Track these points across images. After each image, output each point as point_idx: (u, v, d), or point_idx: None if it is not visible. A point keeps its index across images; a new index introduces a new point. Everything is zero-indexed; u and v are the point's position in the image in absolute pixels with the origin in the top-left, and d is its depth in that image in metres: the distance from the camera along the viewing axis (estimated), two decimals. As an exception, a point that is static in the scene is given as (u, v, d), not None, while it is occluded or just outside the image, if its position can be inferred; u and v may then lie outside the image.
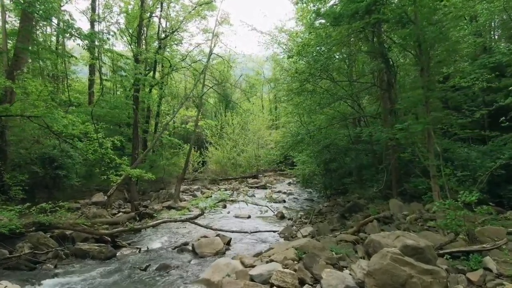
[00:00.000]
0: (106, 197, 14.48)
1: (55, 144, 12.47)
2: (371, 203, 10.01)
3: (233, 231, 8.92)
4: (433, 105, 9.77)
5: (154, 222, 8.48)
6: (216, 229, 8.84)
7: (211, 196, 19.32)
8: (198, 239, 8.74)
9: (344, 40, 8.07)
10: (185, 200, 17.53)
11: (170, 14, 21.92)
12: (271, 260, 6.04)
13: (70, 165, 12.84)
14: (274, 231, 9.55)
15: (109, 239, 8.38)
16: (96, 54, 7.69)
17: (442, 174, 6.79)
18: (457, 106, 11.35)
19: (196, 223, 8.86)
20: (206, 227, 8.81)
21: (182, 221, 8.85)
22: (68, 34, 7.53)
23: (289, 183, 25.90)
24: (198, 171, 29.58)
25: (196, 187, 23.83)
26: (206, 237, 8.92)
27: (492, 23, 14.49)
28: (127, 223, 10.94)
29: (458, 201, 4.99)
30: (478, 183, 7.84)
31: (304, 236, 8.91)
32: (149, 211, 13.36)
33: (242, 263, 6.22)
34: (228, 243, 8.84)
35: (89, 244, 8.40)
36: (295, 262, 5.92)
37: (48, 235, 8.63)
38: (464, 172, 7.81)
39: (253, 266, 5.97)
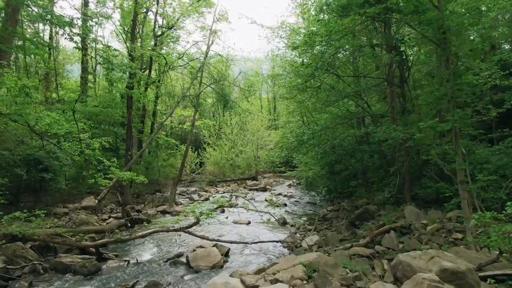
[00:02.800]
0: (96, 202, 13.64)
1: (41, 144, 11.59)
2: (382, 209, 9.21)
3: (232, 242, 8.08)
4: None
5: (143, 233, 7.63)
6: (213, 240, 8.00)
7: (208, 199, 18.52)
8: (194, 250, 7.90)
9: (356, 29, 7.28)
10: (181, 204, 16.67)
11: (166, 11, 21.06)
12: (276, 280, 5.22)
13: (57, 168, 11.94)
14: (277, 241, 8.71)
15: (94, 250, 7.52)
16: (80, 44, 6.87)
17: (469, 179, 5.98)
18: (462, 105, 10.59)
19: (190, 233, 8.01)
20: (202, 237, 7.96)
21: (175, 230, 8.01)
22: (47, 21, 6.68)
23: (289, 185, 25.10)
24: (196, 172, 28.73)
25: (193, 189, 22.99)
26: (202, 247, 8.07)
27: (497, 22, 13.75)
28: (116, 230, 10.11)
29: (503, 213, 4.18)
30: (504, 188, 7.06)
31: (310, 246, 8.12)
32: (142, 216, 12.54)
33: (243, 282, 5.38)
34: (226, 254, 8.02)
35: (71, 256, 7.55)
36: (304, 282, 5.11)
37: (28, 245, 7.80)
38: (489, 175, 6.99)
39: (255, 287, 5.15)
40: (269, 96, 44.10)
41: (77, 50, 6.70)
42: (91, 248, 7.54)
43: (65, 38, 6.74)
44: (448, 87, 5.38)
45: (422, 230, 6.63)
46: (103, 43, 9.57)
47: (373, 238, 6.89)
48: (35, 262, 7.02)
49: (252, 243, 8.23)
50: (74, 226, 10.44)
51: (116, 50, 9.39)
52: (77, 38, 7.16)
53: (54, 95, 18.02)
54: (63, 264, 7.09)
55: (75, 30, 7.02)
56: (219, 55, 21.91)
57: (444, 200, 8.49)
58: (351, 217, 8.78)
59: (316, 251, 7.88)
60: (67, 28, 6.50)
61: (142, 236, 7.64)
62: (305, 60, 8.41)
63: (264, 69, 37.12)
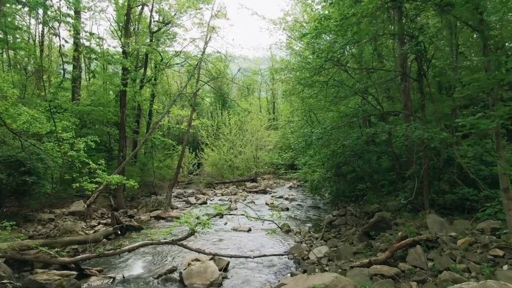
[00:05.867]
0: (85, 206, 12.70)
1: (25, 145, 10.62)
2: (398, 217, 8.31)
3: (231, 256, 7.17)
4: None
5: (130, 246, 6.70)
6: (210, 254, 7.08)
7: (206, 202, 17.58)
8: (188, 264, 7.00)
9: (371, 17, 6.39)
10: (177, 208, 15.74)
11: (162, 7, 20.11)
12: (287, 310, 4.33)
13: (41, 170, 10.96)
14: (282, 255, 7.81)
15: (73, 265, 6.59)
16: (57, 31, 5.99)
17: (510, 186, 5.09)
18: (467, 105, 9.74)
19: (185, 246, 7.10)
20: (198, 251, 7.04)
21: (167, 243, 7.09)
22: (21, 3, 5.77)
23: (290, 187, 24.21)
24: (193, 173, 27.81)
25: (190, 191, 22.06)
26: (198, 260, 7.17)
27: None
28: (104, 240, 9.21)
29: None
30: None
31: (319, 259, 7.22)
32: (134, 223, 11.60)
33: (245, 311, 4.48)
34: (225, 268, 7.10)
35: (49, 272, 6.59)
36: (321, 312, 4.22)
37: (3, 260, 6.87)
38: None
39: (261, 319, 4.26)
40: (268, 96, 43.29)
41: (55, 36, 5.79)
42: (72, 264, 6.60)
43: (40, 22, 5.83)
44: (491, 77, 4.49)
45: (452, 244, 5.73)
46: (86, 30, 8.62)
47: (393, 253, 5.99)
48: (5, 281, 6.08)
49: (254, 257, 7.32)
50: (57, 235, 9.52)
51: (100, 38, 8.47)
52: (55, 24, 6.28)
53: (42, 93, 16.99)
54: (37, 282, 6.16)
55: (52, 15, 6.14)
56: (218, 52, 21.01)
57: (470, 208, 7.64)
58: (365, 226, 7.86)
59: (326, 265, 7.01)
60: (41, 11, 5.63)
61: (129, 250, 6.71)
62: (316, 48, 7.51)
63: (263, 69, 36.37)
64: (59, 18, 6.15)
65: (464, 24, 5.47)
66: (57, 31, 5.84)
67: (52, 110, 7.61)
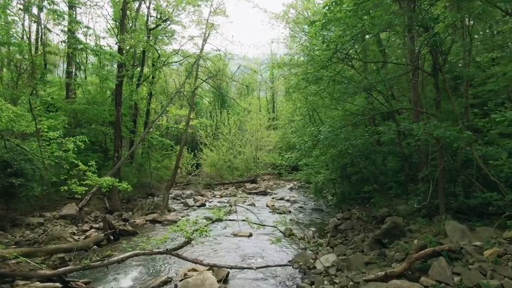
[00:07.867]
0: (77, 209, 12.09)
1: (10, 145, 9.98)
2: (412, 223, 7.71)
3: (232, 267, 6.56)
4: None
5: (120, 257, 6.06)
6: (208, 264, 6.47)
7: (204, 204, 16.97)
8: (184, 275, 6.42)
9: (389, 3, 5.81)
10: (174, 210, 15.12)
11: (160, 5, 19.48)
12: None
13: (30, 172, 10.32)
14: (286, 265, 7.22)
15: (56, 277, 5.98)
16: (39, 18, 5.40)
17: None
18: (478, 103, 9.19)
19: (180, 257, 6.48)
20: (195, 262, 6.42)
21: (161, 253, 6.48)
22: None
23: (291, 188, 23.63)
24: (192, 174, 27.19)
25: (188, 192, 21.45)
26: (195, 270, 6.59)
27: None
28: (94, 247, 8.59)
29: None
30: None
31: (326, 268, 6.61)
32: (128, 227, 10.99)
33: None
34: (225, 279, 6.49)
35: (30, 285, 5.97)
36: None
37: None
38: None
39: None
40: (268, 95, 42.71)
41: (36, 23, 5.21)
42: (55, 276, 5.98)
43: (23, 9, 5.23)
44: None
45: (478, 255, 5.13)
46: (73, 20, 7.99)
47: (411, 264, 5.40)
48: (-20, 296, 5.49)
49: (257, 268, 6.71)
50: (44, 241, 8.90)
51: (88, 27, 7.87)
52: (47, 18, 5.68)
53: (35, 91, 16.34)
54: (15, 298, 5.57)
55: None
56: (218, 50, 20.38)
57: (489, 213, 7.06)
58: (377, 233, 7.24)
59: (335, 276, 6.40)
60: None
61: (118, 262, 6.10)
62: (325, 38, 6.91)
63: (264, 64, 35.78)
64: (40, 4, 5.56)
65: (497, 10, 4.88)
66: (39, 19, 5.25)
67: (36, 107, 6.95)
